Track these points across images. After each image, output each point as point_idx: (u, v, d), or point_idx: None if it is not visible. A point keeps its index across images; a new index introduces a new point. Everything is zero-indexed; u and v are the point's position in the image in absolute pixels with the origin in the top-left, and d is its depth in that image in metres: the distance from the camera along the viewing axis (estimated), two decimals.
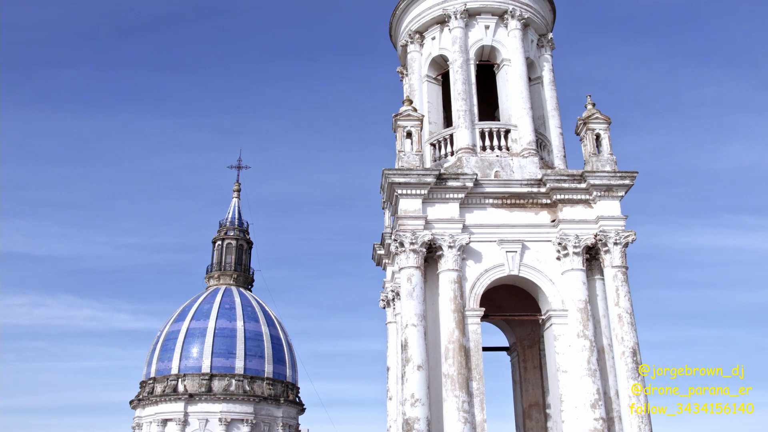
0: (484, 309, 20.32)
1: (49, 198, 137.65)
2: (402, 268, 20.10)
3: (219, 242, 70.31)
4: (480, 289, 20.45)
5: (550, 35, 25.64)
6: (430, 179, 20.54)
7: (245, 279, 69.51)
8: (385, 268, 26.52)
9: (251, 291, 69.53)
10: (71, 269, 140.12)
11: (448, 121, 24.77)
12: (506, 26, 24.24)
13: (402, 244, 20.12)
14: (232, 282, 68.20)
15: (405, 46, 25.75)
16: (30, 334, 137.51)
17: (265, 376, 61.93)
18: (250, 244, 71.68)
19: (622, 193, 21.10)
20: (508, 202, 21.34)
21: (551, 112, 24.29)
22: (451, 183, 20.80)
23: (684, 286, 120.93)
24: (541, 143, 23.25)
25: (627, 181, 21.02)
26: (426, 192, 20.64)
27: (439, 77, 25.07)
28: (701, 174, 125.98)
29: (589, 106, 22.64)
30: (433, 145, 23.33)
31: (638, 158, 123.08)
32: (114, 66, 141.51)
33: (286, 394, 63.26)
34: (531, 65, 24.66)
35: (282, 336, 66.04)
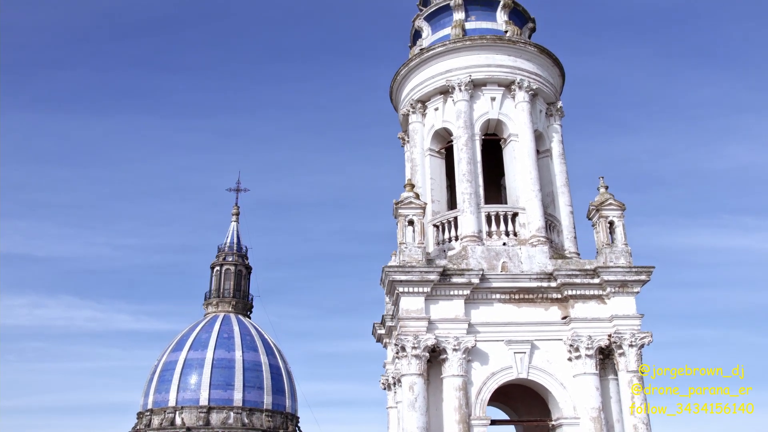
0: (490, 418, 19.16)
1: (49, 199, 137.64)
2: (403, 375, 18.86)
3: (217, 267, 69.03)
4: (486, 395, 19.21)
5: (560, 103, 24.35)
6: (433, 276, 19.29)
7: (244, 306, 68.26)
8: (385, 347, 25.37)
9: (250, 318, 68.30)
10: (71, 270, 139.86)
11: (452, 193, 23.52)
12: (513, 98, 22.96)
13: (404, 348, 18.88)
14: (230, 309, 66.94)
15: (406, 115, 24.48)
16: (30, 335, 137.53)
17: (264, 407, 60.78)
18: (249, 269, 70.39)
19: (637, 289, 19.85)
20: (516, 297, 20.09)
21: (561, 189, 23.02)
22: (455, 279, 19.55)
23: (684, 286, 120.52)
24: (551, 225, 22.00)
25: (643, 277, 19.76)
26: (429, 290, 19.40)
27: (443, 150, 23.81)
28: (700, 174, 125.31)
29: (602, 190, 21.38)
30: (436, 226, 22.10)
31: (638, 159, 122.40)
32: (113, 68, 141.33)
33: (285, 425, 62.13)
34: (539, 137, 23.41)
35: (281, 365, 64.85)
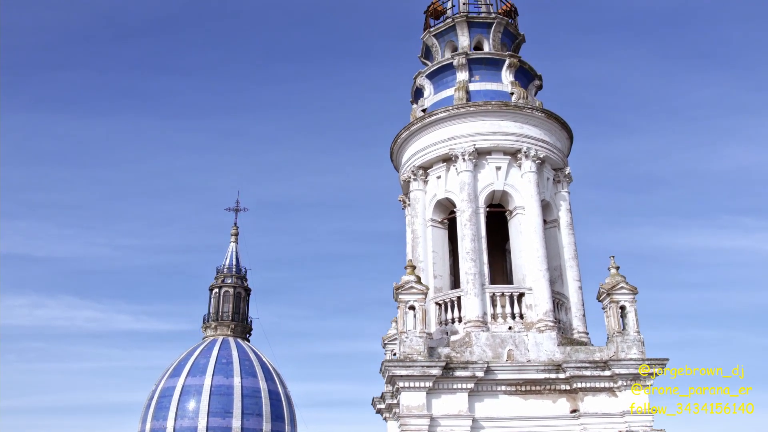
0: None
1: (49, 199, 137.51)
2: None
3: (216, 290, 67.96)
4: None
5: (567, 169, 23.38)
6: (435, 371, 18.33)
7: (243, 329, 67.19)
8: (386, 420, 24.52)
9: (249, 341, 67.28)
10: (71, 270, 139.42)
11: (455, 260, 22.56)
12: (520, 167, 21.97)
13: None
14: (229, 333, 65.89)
15: (407, 181, 23.48)
16: (30, 335, 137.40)
17: None
18: (248, 291, 69.33)
19: (650, 383, 18.89)
20: (523, 388, 19.12)
21: (569, 262, 22.06)
22: (459, 373, 18.58)
23: (683, 287, 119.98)
24: (558, 303, 21.04)
25: (656, 370, 18.79)
26: (431, 384, 18.45)
27: (445, 221, 22.80)
28: (699, 175, 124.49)
29: (613, 271, 20.36)
30: (438, 304, 21.14)
31: (637, 159, 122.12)
32: (113, 68, 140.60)
33: None
34: (546, 206, 22.44)
35: (281, 390, 63.86)
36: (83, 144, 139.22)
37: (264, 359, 65.26)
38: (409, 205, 24.03)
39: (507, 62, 23.75)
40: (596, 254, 20.75)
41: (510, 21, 25.43)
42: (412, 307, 19.35)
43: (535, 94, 24.93)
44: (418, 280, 19.66)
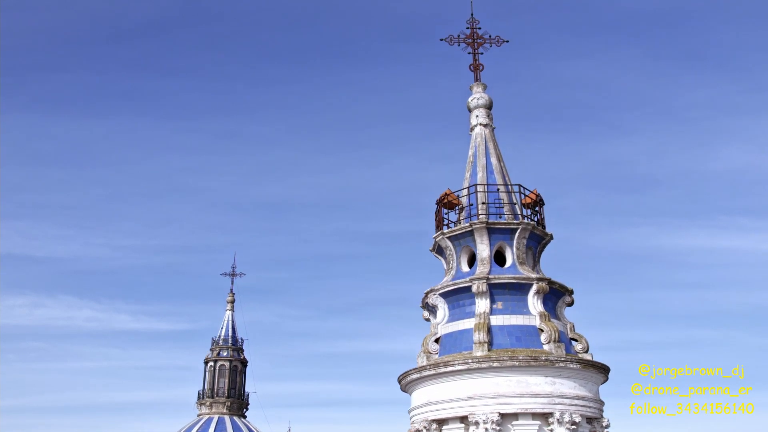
0: None
1: (48, 200, 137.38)
2: None
3: (211, 363, 64.88)
4: None
5: (605, 420, 20.21)
6: None
7: (239, 405, 64.01)
8: None
9: (245, 417, 64.31)
10: (70, 270, 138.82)
11: None
12: None
13: None
14: (225, 410, 62.77)
15: None
16: (30, 335, 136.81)
17: None
18: (244, 363, 66.21)
19: None
20: None
21: None
22: None
23: (681, 287, 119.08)
24: None
25: None
26: None
27: None
28: (696, 176, 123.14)
29: None
30: None
31: (634, 160, 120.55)
32: (110, 70, 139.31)
33: None
34: None
35: None
36: (82, 145, 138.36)
37: None
38: None
39: (534, 288, 20.51)
40: None
41: (536, 223, 22.09)
42: None
43: (569, 305, 21.82)
44: None
